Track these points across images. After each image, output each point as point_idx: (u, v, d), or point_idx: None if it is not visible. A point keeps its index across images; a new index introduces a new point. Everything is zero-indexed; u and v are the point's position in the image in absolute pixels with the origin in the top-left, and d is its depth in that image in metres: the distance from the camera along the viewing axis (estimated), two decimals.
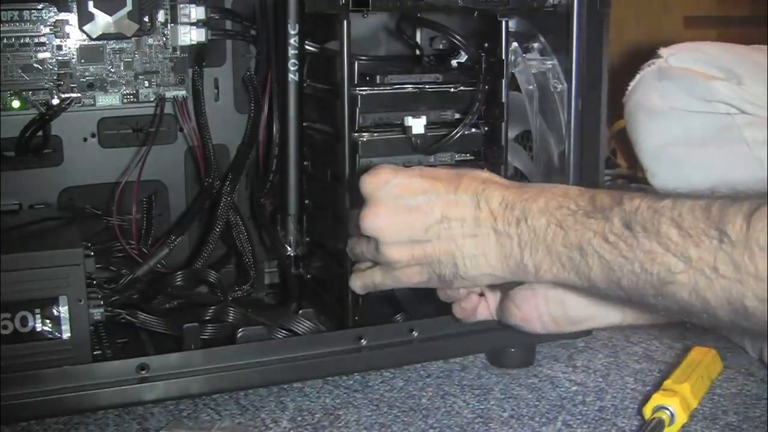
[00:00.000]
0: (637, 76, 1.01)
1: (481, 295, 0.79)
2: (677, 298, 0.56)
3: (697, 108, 0.96)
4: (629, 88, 1.01)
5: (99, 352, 0.77)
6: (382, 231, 0.69)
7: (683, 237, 0.55)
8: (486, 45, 0.84)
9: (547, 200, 0.64)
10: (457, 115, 0.85)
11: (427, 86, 0.84)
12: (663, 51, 1.00)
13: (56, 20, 0.88)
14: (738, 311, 0.53)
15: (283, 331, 0.79)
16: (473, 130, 0.84)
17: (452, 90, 0.84)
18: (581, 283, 0.62)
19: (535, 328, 0.77)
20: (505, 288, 0.77)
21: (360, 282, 0.77)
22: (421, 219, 0.68)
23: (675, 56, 0.99)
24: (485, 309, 0.80)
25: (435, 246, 0.68)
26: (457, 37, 0.84)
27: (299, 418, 0.78)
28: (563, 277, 0.63)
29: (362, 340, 0.79)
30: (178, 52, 0.94)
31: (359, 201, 0.72)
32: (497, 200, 0.66)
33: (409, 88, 0.83)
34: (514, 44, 0.86)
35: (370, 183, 0.70)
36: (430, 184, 0.68)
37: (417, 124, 0.82)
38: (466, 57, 0.86)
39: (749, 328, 0.54)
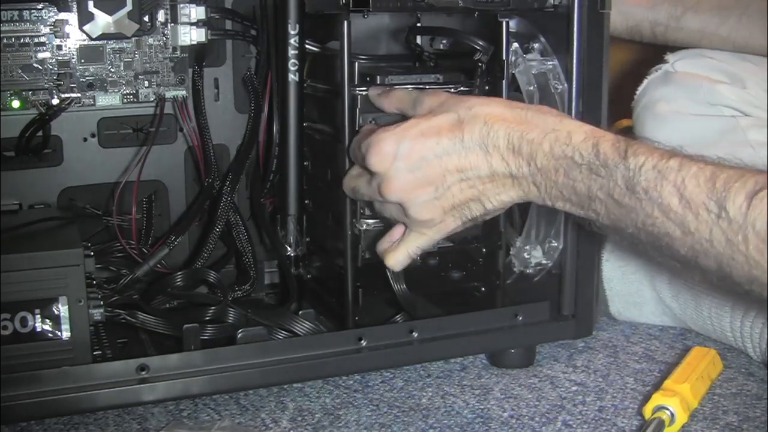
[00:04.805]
0: (644, 81, 1.01)
1: None
2: (675, 254, 0.60)
3: (701, 111, 0.96)
4: (637, 93, 1.02)
5: (99, 352, 0.77)
6: (407, 199, 0.71)
7: (683, 207, 0.57)
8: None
9: (552, 145, 0.65)
10: None
11: (427, 86, 0.83)
12: (669, 56, 1.01)
13: (56, 20, 0.88)
14: (726, 278, 0.57)
15: (283, 332, 0.79)
16: None
17: (452, 90, 0.84)
18: (593, 220, 0.66)
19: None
20: None
21: (402, 255, 0.76)
22: (438, 176, 0.70)
23: (680, 61, 1.00)
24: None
25: (459, 196, 0.70)
26: (473, 38, 0.83)
27: (299, 418, 0.78)
28: (577, 213, 0.66)
29: (362, 341, 0.79)
30: (178, 52, 0.94)
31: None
32: (503, 143, 0.68)
33: (409, 88, 0.83)
34: (515, 45, 0.86)
35: (377, 163, 0.71)
36: (435, 141, 0.69)
37: None
38: (482, 54, 0.86)
39: (734, 291, 0.58)
